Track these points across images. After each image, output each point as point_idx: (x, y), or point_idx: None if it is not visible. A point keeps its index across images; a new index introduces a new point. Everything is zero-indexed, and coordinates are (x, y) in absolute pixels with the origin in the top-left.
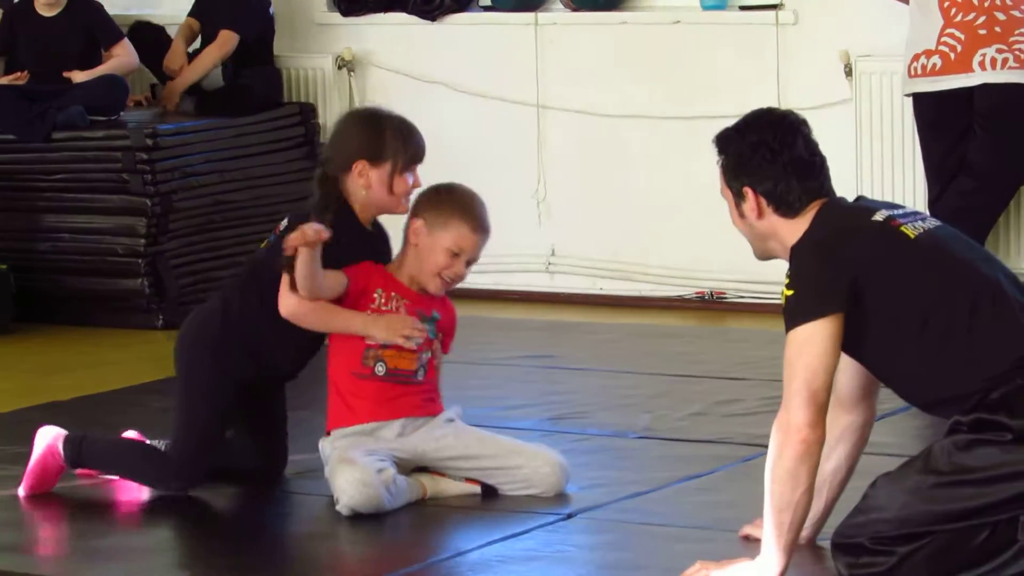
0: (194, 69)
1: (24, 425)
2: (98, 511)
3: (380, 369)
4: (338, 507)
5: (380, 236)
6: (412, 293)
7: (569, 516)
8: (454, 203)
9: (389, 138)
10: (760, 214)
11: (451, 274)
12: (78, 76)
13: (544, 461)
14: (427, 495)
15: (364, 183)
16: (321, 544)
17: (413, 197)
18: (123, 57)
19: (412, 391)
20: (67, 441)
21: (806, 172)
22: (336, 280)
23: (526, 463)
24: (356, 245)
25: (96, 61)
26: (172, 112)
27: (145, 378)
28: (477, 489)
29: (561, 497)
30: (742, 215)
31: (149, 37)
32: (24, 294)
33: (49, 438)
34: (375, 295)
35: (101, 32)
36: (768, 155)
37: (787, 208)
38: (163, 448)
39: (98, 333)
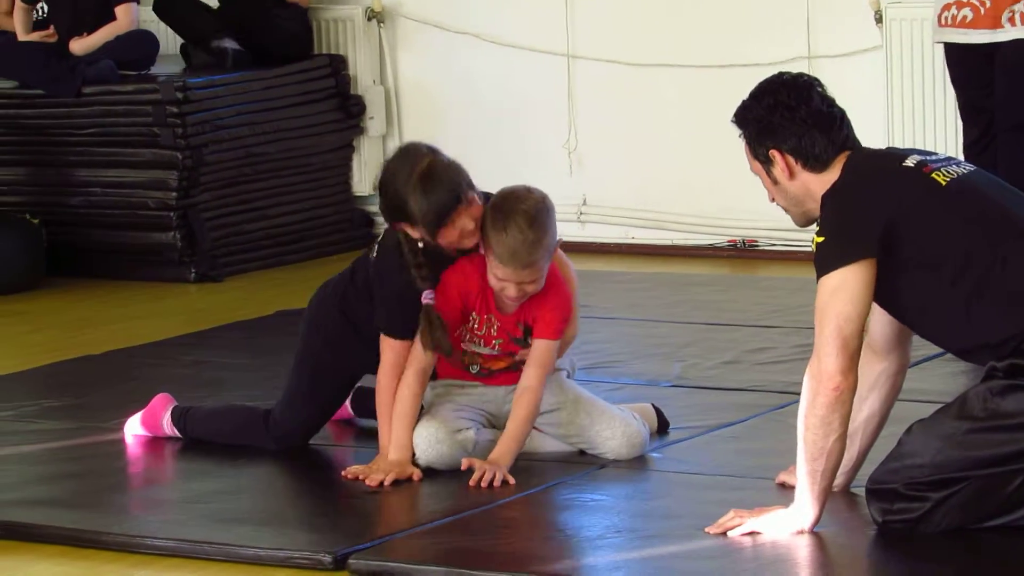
0: None
1: (56, 379)
2: (133, 465)
3: (474, 369)
4: (415, 460)
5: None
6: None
7: (603, 466)
8: (492, 232)
9: (412, 206)
10: (791, 174)
11: (508, 296)
12: (75, 46)
13: (608, 425)
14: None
15: (419, 237)
16: (346, 498)
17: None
18: (119, 22)
19: (506, 377)
20: (173, 415)
21: (827, 124)
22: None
23: (591, 425)
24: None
25: (110, 17)
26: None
27: (177, 331)
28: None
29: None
30: (775, 182)
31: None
32: (56, 248)
33: (159, 406)
34: (472, 318)
35: None
36: (786, 113)
37: (815, 161)
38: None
39: (130, 287)
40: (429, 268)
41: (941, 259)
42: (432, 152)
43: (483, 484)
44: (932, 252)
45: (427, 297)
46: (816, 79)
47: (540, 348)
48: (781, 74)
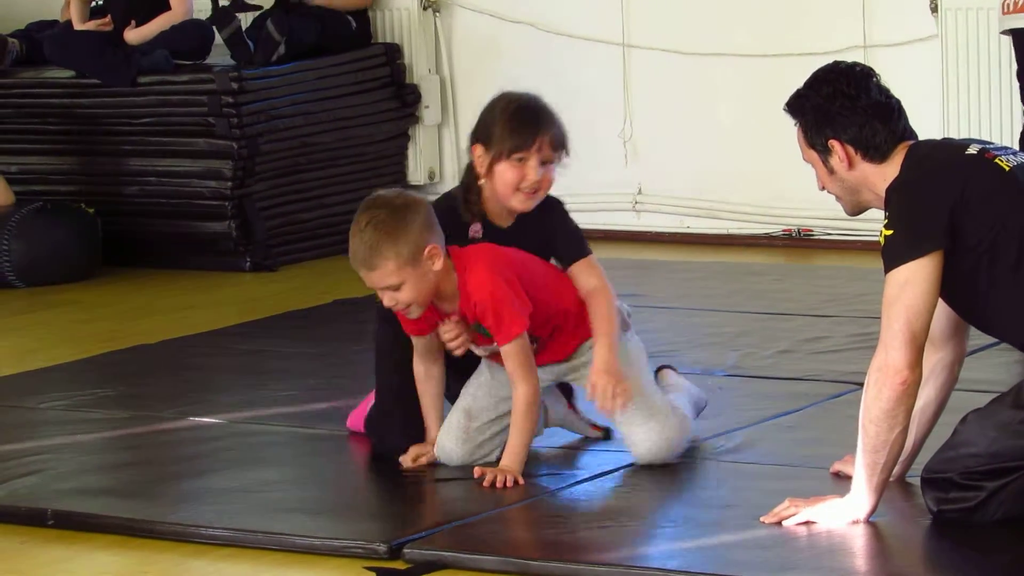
0: None
1: (112, 368)
2: (188, 454)
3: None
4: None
5: (520, 232)
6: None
7: None
8: (499, 117)
9: (498, 116)
10: (850, 164)
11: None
12: (130, 36)
13: (642, 428)
14: (548, 423)
15: (480, 169)
16: (401, 488)
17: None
18: (173, 11)
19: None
20: None
21: (886, 114)
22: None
23: (627, 422)
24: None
25: (165, 6)
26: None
27: (232, 321)
28: (599, 434)
29: None
30: (832, 171)
31: None
32: (111, 238)
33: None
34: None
35: None
36: (847, 102)
37: (875, 152)
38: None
39: (185, 276)
40: (478, 205)
41: (1004, 245)
42: (540, 101)
43: (486, 485)
44: (995, 237)
45: (474, 230)
46: (871, 69)
47: (505, 355)
48: (837, 63)
